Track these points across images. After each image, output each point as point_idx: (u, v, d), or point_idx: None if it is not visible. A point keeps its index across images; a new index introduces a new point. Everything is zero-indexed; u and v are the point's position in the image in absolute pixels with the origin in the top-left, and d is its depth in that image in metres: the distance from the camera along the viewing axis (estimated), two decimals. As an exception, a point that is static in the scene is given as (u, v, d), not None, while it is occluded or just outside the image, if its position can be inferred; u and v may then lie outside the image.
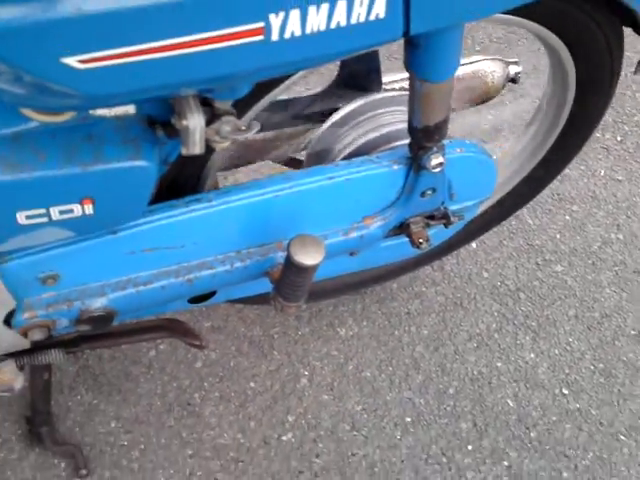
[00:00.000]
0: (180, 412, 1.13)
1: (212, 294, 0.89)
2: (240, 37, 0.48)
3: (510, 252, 1.37)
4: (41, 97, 0.50)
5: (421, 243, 0.89)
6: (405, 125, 0.79)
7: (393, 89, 0.94)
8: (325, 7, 0.49)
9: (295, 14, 0.49)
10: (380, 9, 0.52)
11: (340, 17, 0.51)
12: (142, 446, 1.09)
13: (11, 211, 0.61)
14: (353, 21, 0.51)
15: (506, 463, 1.14)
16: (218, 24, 0.47)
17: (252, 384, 1.17)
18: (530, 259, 1.37)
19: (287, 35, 0.50)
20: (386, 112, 0.88)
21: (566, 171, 1.26)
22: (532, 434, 1.16)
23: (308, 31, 0.50)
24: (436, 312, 1.29)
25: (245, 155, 0.93)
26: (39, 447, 1.06)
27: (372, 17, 0.52)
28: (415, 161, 0.80)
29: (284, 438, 1.13)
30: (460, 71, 0.96)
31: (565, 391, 1.22)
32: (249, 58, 0.50)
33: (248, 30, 0.48)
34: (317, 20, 0.50)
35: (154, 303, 0.81)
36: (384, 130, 0.87)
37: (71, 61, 0.45)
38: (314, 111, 0.92)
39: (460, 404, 1.19)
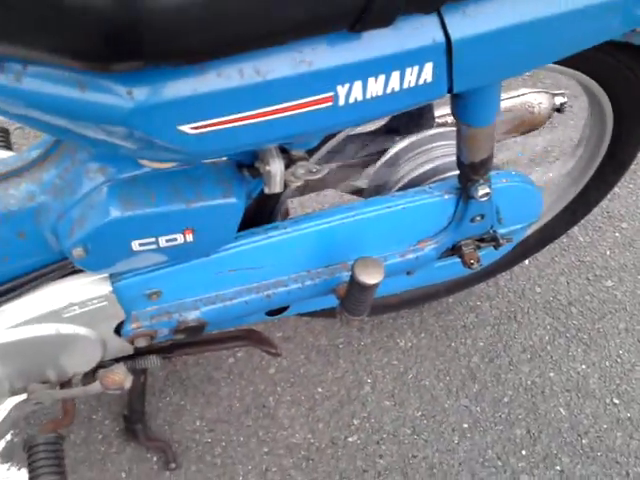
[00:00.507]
0: (256, 413, 1.23)
1: (286, 308, 0.99)
2: (314, 104, 0.60)
3: (562, 268, 1.43)
4: (156, 153, 0.62)
5: (472, 263, 0.97)
6: (454, 157, 0.89)
7: (445, 123, 1.04)
8: (382, 78, 0.60)
9: (358, 85, 0.60)
10: (427, 75, 0.62)
11: (394, 84, 0.61)
12: (223, 443, 1.20)
13: (128, 240, 0.73)
14: (405, 86, 0.62)
15: (558, 467, 1.20)
16: (299, 95, 0.58)
17: (320, 389, 1.27)
18: (581, 275, 1.43)
19: (351, 100, 0.61)
20: (437, 146, 0.98)
21: (615, 190, 1.32)
22: (584, 441, 1.22)
23: (368, 96, 0.61)
24: (491, 325, 1.36)
25: (313, 186, 1.04)
26: (134, 442, 1.17)
27: (421, 82, 0.62)
28: (464, 191, 0.89)
29: (350, 439, 1.22)
30: (508, 103, 1.05)
31: (616, 401, 1.27)
32: (321, 119, 0.61)
33: (321, 98, 0.60)
34: (375, 88, 0.61)
35: (238, 316, 0.91)
36: (436, 163, 0.96)
37: (185, 128, 0.57)
38: (374, 146, 1.02)
39: (514, 412, 1.26)
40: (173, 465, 1.16)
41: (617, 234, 1.50)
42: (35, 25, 0.49)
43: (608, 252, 1.47)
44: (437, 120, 1.02)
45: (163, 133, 0.57)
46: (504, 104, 1.02)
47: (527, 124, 1.09)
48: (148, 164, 0.69)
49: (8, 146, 0.99)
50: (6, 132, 1.01)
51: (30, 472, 0.91)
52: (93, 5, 0.47)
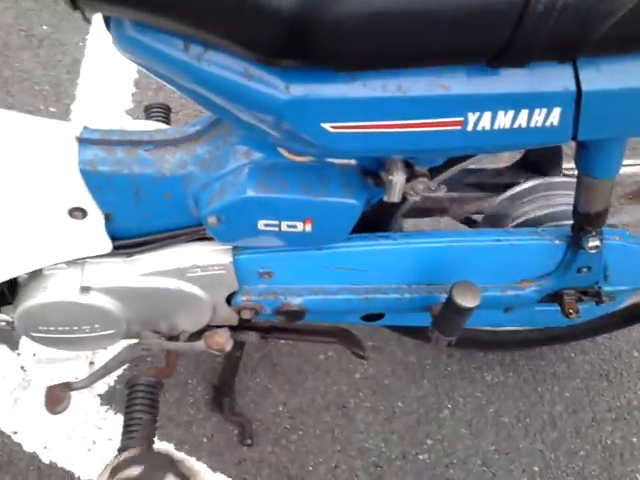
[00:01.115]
0: (336, 412, 1.28)
1: (381, 316, 1.04)
2: (444, 125, 0.66)
3: (664, 336, 1.39)
4: (296, 144, 0.70)
5: (571, 314, 0.98)
6: (571, 208, 0.92)
7: (571, 175, 1.05)
8: (511, 113, 0.65)
9: (487, 115, 0.65)
10: (554, 119, 0.66)
11: (521, 121, 0.66)
12: (300, 432, 1.26)
13: (255, 218, 0.81)
14: (531, 125, 0.66)
15: (622, 532, 1.17)
16: (432, 114, 0.65)
17: (400, 404, 1.30)
18: None
19: (479, 128, 0.66)
20: (558, 194, 1.00)
21: None
22: None
23: (495, 127, 0.66)
24: (581, 378, 1.35)
25: (429, 209, 1.09)
26: (219, 413, 1.26)
27: (547, 124, 0.66)
28: (575, 241, 0.91)
29: (420, 457, 1.25)
30: (632, 169, 1.05)
31: None
32: (447, 140, 0.67)
33: (451, 121, 0.66)
34: (503, 121, 0.66)
35: (336, 311, 0.98)
36: (554, 209, 0.98)
37: (327, 126, 0.65)
38: (497, 182, 1.06)
39: (589, 467, 1.25)
40: (249, 441, 1.23)
41: None
42: (221, 15, 0.58)
43: None
44: (564, 171, 1.04)
45: (308, 127, 0.65)
46: (630, 170, 1.02)
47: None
48: (287, 155, 0.77)
49: (167, 122, 1.11)
50: (168, 109, 1.13)
51: (127, 407, 1.01)
52: (277, 4, 0.55)
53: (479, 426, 1.30)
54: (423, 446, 1.27)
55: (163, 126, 1.02)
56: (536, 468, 1.25)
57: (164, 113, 1.11)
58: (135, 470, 0.85)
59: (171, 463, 0.87)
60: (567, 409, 1.32)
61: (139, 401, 0.97)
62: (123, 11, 0.63)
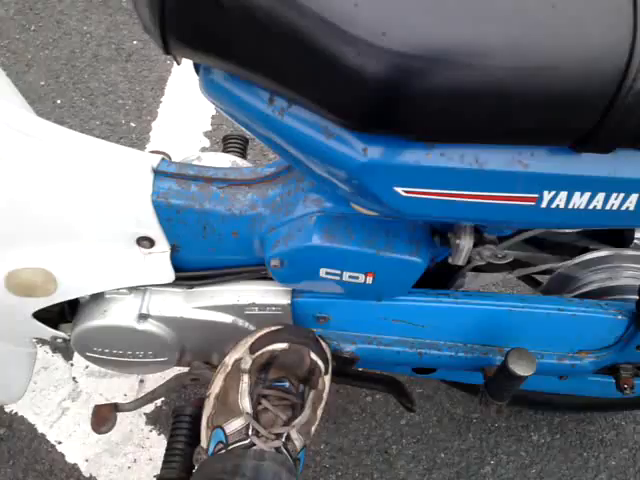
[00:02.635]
0: (377, 456, 1.28)
1: (433, 370, 1.03)
2: (518, 200, 0.65)
3: None
4: (366, 202, 0.70)
5: (625, 388, 0.96)
6: (638, 282, 0.90)
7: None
8: (587, 195, 0.64)
9: (563, 194, 0.64)
10: (631, 204, 0.65)
11: (597, 203, 0.65)
12: (339, 473, 1.26)
13: (318, 266, 0.82)
14: (607, 208, 0.65)
15: None
16: (507, 189, 0.64)
17: (442, 455, 1.29)
18: None
19: (553, 206, 0.65)
20: (627, 267, 0.98)
21: None
22: None
23: (570, 207, 0.65)
24: (629, 448, 1.31)
25: (495, 266, 1.07)
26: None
27: (623, 208, 0.65)
28: (638, 318, 0.89)
29: (456, 511, 1.23)
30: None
31: None
32: (519, 215, 0.66)
33: (526, 197, 0.65)
34: (579, 201, 0.65)
35: (387, 362, 0.98)
36: (620, 282, 0.96)
37: (400, 190, 0.65)
38: (565, 247, 1.04)
39: (625, 539, 1.21)
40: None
41: None
42: (310, 78, 0.60)
43: None
44: (636, 241, 1.02)
45: (380, 189, 0.66)
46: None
47: None
48: (357, 208, 0.78)
49: (244, 154, 1.13)
50: (246, 141, 1.15)
51: (171, 436, 1.03)
52: (367, 74, 0.56)
53: (520, 486, 1.27)
54: (461, 500, 1.25)
55: (239, 159, 1.04)
56: (572, 535, 1.22)
57: (241, 145, 1.13)
58: (279, 346, 0.83)
59: (315, 341, 0.85)
60: (611, 478, 1.28)
61: (183, 432, 0.98)
62: (213, 62, 0.65)
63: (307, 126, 0.64)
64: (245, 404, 0.82)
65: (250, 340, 0.85)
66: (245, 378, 0.83)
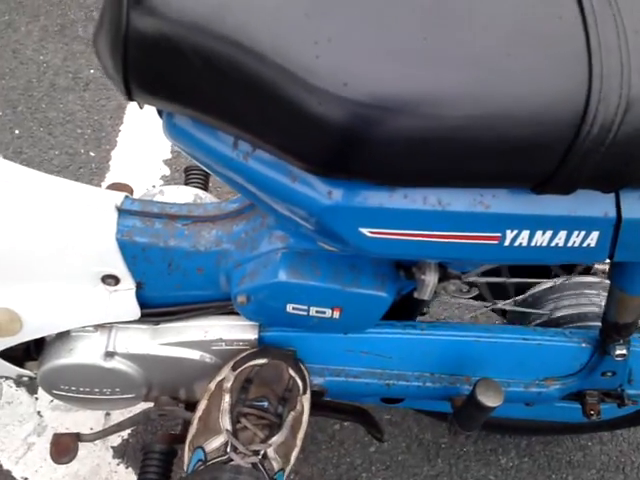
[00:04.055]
0: (346, 486, 1.27)
1: (401, 400, 1.04)
2: (481, 239, 0.66)
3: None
4: (334, 242, 0.71)
5: (592, 414, 0.98)
6: (600, 308, 0.91)
7: (602, 271, 1.05)
8: (549, 233, 0.65)
9: (525, 233, 0.65)
10: (592, 241, 0.66)
11: (559, 241, 0.66)
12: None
13: (285, 302, 0.82)
14: (568, 245, 0.66)
15: None
16: (470, 229, 0.65)
17: (412, 480, 1.29)
18: None
19: (516, 244, 0.66)
20: (590, 294, 1.00)
21: None
22: None
23: (532, 244, 0.66)
24: (596, 469, 1.33)
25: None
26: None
27: (584, 244, 0.66)
28: (601, 346, 0.90)
29: (427, 539, 1.23)
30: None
31: None
32: (483, 253, 0.67)
33: (489, 236, 0.66)
34: (541, 239, 0.66)
35: (356, 393, 0.98)
36: (583, 310, 0.98)
37: (365, 231, 0.66)
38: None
39: None
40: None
41: None
42: (273, 126, 0.60)
43: None
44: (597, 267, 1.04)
45: (346, 230, 0.66)
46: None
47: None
48: (322, 245, 0.78)
49: (205, 186, 1.13)
50: (207, 174, 1.15)
51: (140, 474, 1.02)
52: (327, 122, 0.56)
53: (490, 510, 1.28)
54: (431, 527, 1.25)
55: (201, 192, 1.04)
56: None
57: (203, 177, 1.13)
58: (259, 361, 0.86)
59: (294, 360, 0.88)
60: (580, 499, 1.30)
61: (153, 469, 0.97)
62: (176, 108, 0.65)
63: (272, 169, 0.64)
64: (225, 422, 0.83)
65: (232, 362, 0.87)
66: (226, 397, 0.85)
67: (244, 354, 0.87)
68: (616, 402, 0.99)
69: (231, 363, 0.87)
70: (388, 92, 0.55)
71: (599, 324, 0.92)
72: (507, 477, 1.32)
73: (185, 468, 0.85)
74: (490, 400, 0.84)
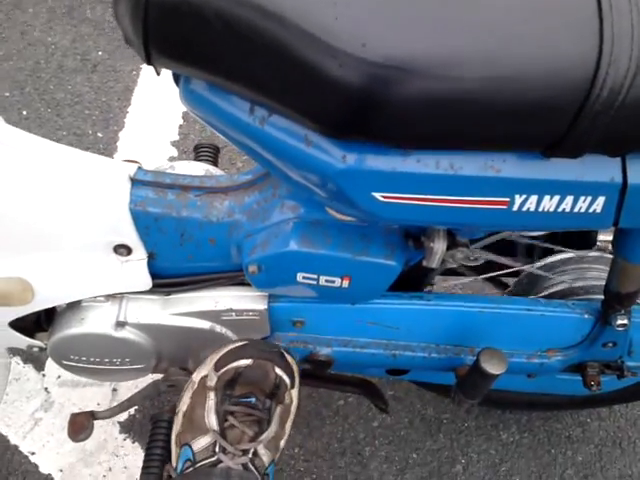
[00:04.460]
0: (351, 458, 1.30)
1: (406, 371, 1.05)
2: (491, 204, 0.68)
3: (680, 408, 1.40)
4: (345, 208, 0.72)
5: (592, 385, 0.99)
6: (602, 282, 0.93)
7: (606, 248, 1.06)
8: (557, 198, 0.67)
9: (534, 198, 0.67)
10: (598, 207, 0.68)
11: (566, 206, 0.68)
12: (314, 476, 1.27)
13: (295, 271, 0.83)
14: (575, 210, 0.68)
15: None
16: (480, 193, 0.67)
17: (414, 455, 1.31)
18: None
19: (524, 209, 0.68)
20: (592, 268, 1.02)
21: None
22: None
23: (540, 210, 0.68)
24: (594, 444, 1.35)
25: (467, 271, 1.10)
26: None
27: (590, 210, 0.68)
28: (603, 317, 0.92)
29: (430, 509, 1.25)
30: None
31: None
32: (492, 218, 0.69)
33: (498, 201, 0.68)
34: (548, 205, 0.68)
35: (362, 364, 0.99)
36: (586, 283, 1.00)
37: (378, 195, 0.67)
38: (532, 250, 1.07)
39: (593, 532, 1.24)
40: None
41: None
42: (289, 88, 0.61)
43: None
44: (599, 243, 1.05)
45: (359, 195, 0.68)
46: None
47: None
48: (334, 214, 0.80)
49: (215, 162, 1.14)
50: (217, 150, 1.16)
51: (149, 442, 1.03)
52: (346, 83, 0.58)
53: (490, 483, 1.30)
54: (434, 499, 1.27)
55: (212, 168, 1.05)
56: (543, 530, 1.26)
57: (213, 154, 1.14)
58: (243, 362, 0.83)
59: (280, 356, 0.85)
60: (578, 473, 1.32)
61: (161, 437, 0.98)
62: (194, 72, 0.66)
63: (287, 135, 0.66)
64: (212, 421, 0.82)
65: (215, 357, 0.85)
66: (211, 395, 0.84)
67: (227, 349, 0.85)
68: (616, 374, 1.01)
69: (215, 359, 0.85)
70: (405, 53, 0.57)
71: (601, 296, 0.93)
72: (507, 452, 1.34)
73: (173, 464, 0.84)
74: (494, 368, 0.86)
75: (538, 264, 1.01)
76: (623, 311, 0.91)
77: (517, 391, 1.20)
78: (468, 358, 0.97)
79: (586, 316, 0.94)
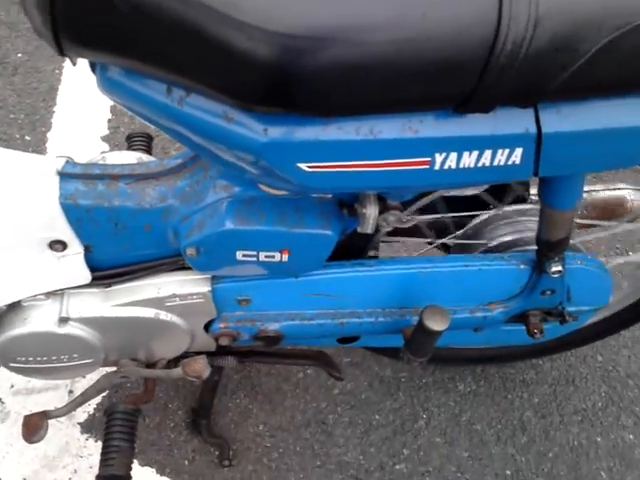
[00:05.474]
0: (315, 428, 1.32)
1: (356, 339, 1.07)
2: (413, 165, 0.69)
3: (626, 341, 1.47)
4: (273, 182, 0.73)
5: (535, 334, 1.02)
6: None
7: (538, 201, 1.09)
8: (475, 154, 0.69)
9: (453, 155, 0.68)
10: (516, 158, 0.70)
11: (485, 160, 0.69)
12: (281, 450, 1.29)
13: (234, 250, 0.84)
14: (494, 164, 0.70)
15: (589, 527, 1.22)
16: (402, 155, 0.68)
17: (377, 416, 1.34)
18: None
19: (445, 167, 0.69)
20: (524, 220, 1.04)
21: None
22: None
23: (460, 166, 0.69)
24: (549, 384, 1.41)
25: (403, 233, 1.11)
26: (198, 435, 1.27)
27: (509, 162, 0.70)
28: (539, 266, 0.95)
29: (397, 467, 1.29)
30: (603, 195, 1.10)
31: None
32: (416, 179, 0.70)
33: (419, 161, 0.69)
34: (468, 161, 0.69)
35: (312, 336, 1.00)
36: (518, 236, 1.02)
37: (303, 166, 0.68)
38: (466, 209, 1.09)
39: (557, 468, 1.31)
40: (227, 463, 1.25)
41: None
42: (202, 64, 0.61)
43: (674, 333, 1.49)
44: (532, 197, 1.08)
45: (284, 167, 0.68)
46: (599, 195, 1.07)
47: (617, 214, 1.13)
48: (265, 189, 0.80)
49: (149, 151, 1.13)
50: (150, 138, 1.15)
51: (105, 435, 1.03)
52: (257, 57, 0.58)
53: (453, 434, 1.34)
54: (400, 456, 1.31)
55: (145, 156, 1.05)
56: (508, 472, 1.30)
57: (146, 142, 1.13)
58: None
59: None
60: (536, 414, 1.37)
61: (117, 429, 0.99)
62: (108, 59, 0.65)
63: (206, 113, 0.66)
64: None
65: None
66: None
67: None
68: (558, 320, 1.04)
69: None
70: (314, 22, 0.57)
71: (535, 247, 0.96)
72: (466, 402, 1.38)
73: None
74: (437, 324, 0.88)
75: (473, 223, 1.04)
76: (556, 258, 0.93)
77: (467, 346, 1.22)
78: (414, 319, 0.99)
79: (522, 267, 0.97)
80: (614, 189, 1.12)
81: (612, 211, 1.13)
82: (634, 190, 1.13)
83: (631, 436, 1.35)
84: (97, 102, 1.70)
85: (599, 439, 1.35)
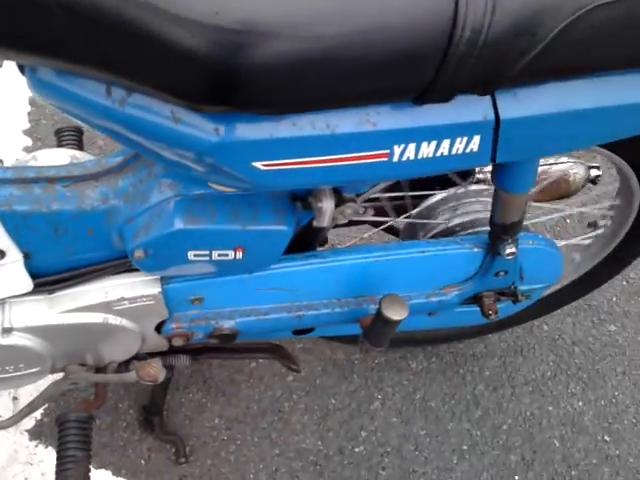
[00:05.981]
0: (272, 417, 1.30)
1: (312, 329, 1.05)
2: (371, 158, 0.67)
3: (570, 310, 1.50)
4: (227, 180, 0.70)
5: (490, 314, 1.03)
6: (486, 215, 0.96)
7: (485, 180, 1.09)
8: (434, 143, 0.67)
9: (412, 146, 0.67)
10: (474, 146, 0.69)
11: (444, 150, 0.68)
12: (238, 442, 1.27)
13: (185, 250, 0.80)
14: (453, 153, 0.69)
15: (548, 495, 1.26)
16: (359, 149, 0.66)
17: (333, 400, 1.34)
18: (587, 317, 1.51)
19: (404, 159, 0.68)
20: (474, 202, 1.04)
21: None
22: (573, 472, 1.31)
23: (419, 157, 0.68)
24: (498, 356, 1.44)
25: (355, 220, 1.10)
26: (152, 433, 1.24)
27: (467, 150, 0.69)
28: (492, 248, 0.95)
29: (356, 450, 1.29)
30: (546, 169, 1.11)
31: (607, 438, 1.35)
32: (375, 171, 0.68)
33: (378, 154, 0.67)
34: (427, 151, 0.68)
35: (268, 330, 0.99)
36: (470, 217, 1.02)
37: (258, 164, 0.65)
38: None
39: (512, 439, 1.33)
40: (183, 460, 1.22)
41: (624, 282, 1.57)
42: (144, 63, 0.57)
43: (614, 299, 1.54)
44: (478, 176, 1.08)
45: (239, 167, 0.65)
46: (542, 169, 1.08)
47: (561, 191, 1.14)
48: (215, 187, 0.77)
49: (80, 146, 1.07)
50: (80, 132, 1.09)
51: (59, 445, 0.99)
52: (200, 55, 0.55)
53: (409, 413, 1.35)
54: (358, 439, 1.31)
55: (78, 153, 0.99)
56: (465, 447, 1.32)
57: (77, 137, 1.07)
58: None
59: None
60: (488, 387, 1.39)
61: (71, 438, 0.95)
62: (39, 61, 0.60)
63: (151, 113, 0.62)
64: None
65: None
66: None
67: None
68: (511, 299, 1.05)
69: None
70: (260, 17, 0.54)
71: (488, 229, 0.96)
72: (419, 379, 1.39)
73: None
74: (396, 313, 0.88)
75: (420, 207, 1.03)
76: (510, 240, 0.94)
77: (421, 329, 1.23)
78: (370, 307, 0.98)
79: (476, 250, 0.97)
80: (554, 163, 1.13)
81: (556, 189, 1.14)
82: (575, 163, 1.14)
83: (580, 403, 1.39)
84: (15, 95, 1.60)
85: (550, 408, 1.38)
